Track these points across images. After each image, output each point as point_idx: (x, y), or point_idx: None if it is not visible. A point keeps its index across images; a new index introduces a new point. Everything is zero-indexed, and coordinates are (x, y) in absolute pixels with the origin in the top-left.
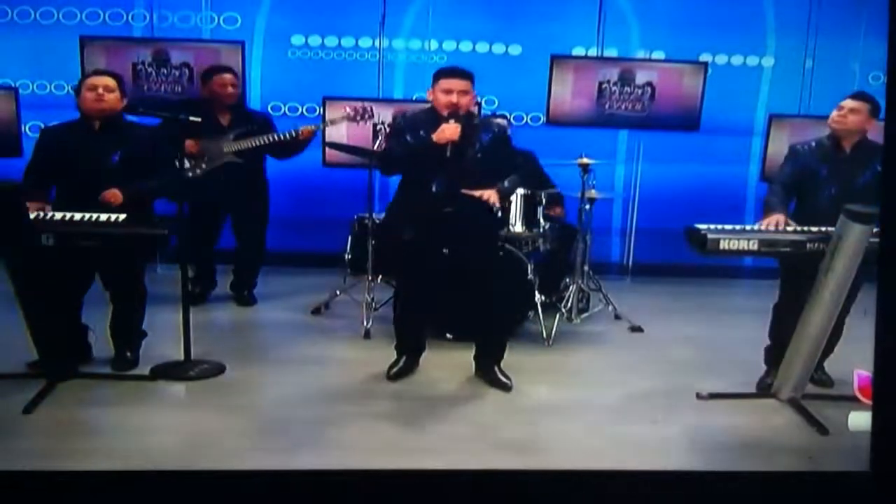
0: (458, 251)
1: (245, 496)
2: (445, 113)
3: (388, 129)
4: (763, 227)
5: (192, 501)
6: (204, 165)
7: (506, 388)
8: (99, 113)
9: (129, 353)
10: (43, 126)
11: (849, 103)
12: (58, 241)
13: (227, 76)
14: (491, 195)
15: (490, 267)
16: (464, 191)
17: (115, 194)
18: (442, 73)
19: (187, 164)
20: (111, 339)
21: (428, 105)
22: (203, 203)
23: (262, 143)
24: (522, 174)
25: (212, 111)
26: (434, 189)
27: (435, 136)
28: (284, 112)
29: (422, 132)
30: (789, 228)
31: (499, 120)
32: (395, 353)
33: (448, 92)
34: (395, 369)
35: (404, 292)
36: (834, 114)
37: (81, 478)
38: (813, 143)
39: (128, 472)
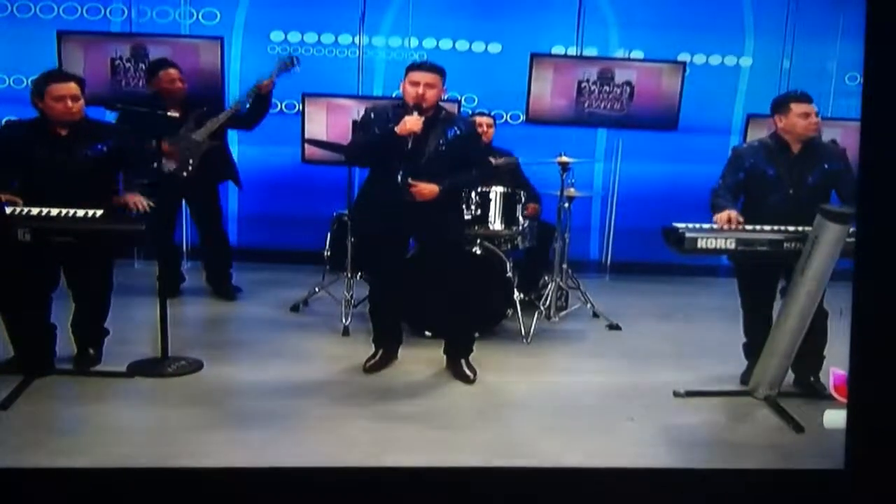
0: (425, 242)
1: (223, 493)
2: (411, 104)
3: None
4: (717, 225)
5: (168, 499)
6: (191, 160)
7: (467, 380)
8: (69, 122)
9: (91, 351)
10: (4, 121)
11: (812, 108)
12: (34, 237)
13: (173, 71)
14: (431, 191)
15: (459, 259)
16: (410, 181)
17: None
18: (411, 66)
19: (171, 167)
20: (73, 337)
21: (400, 99)
22: (166, 196)
23: (227, 117)
24: (477, 174)
25: (162, 107)
26: (399, 180)
27: (398, 128)
28: None
29: (390, 124)
30: (748, 227)
31: (478, 118)
32: (373, 347)
33: (415, 84)
34: (371, 362)
35: (374, 283)
36: (802, 122)
37: (58, 474)
38: (756, 143)
39: (104, 468)
